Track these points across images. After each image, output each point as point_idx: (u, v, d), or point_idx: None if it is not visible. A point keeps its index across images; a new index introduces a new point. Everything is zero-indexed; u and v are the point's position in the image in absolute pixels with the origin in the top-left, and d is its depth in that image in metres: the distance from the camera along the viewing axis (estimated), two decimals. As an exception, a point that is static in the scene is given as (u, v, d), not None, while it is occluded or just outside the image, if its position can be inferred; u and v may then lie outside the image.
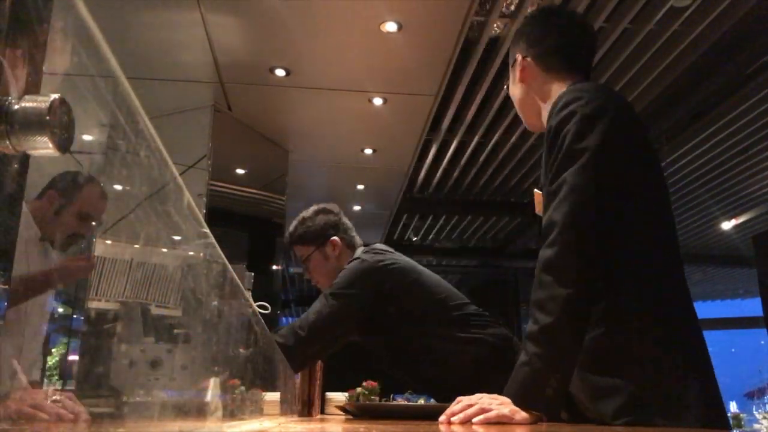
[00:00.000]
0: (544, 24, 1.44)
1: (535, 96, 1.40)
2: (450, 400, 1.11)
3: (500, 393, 1.06)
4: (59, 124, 0.36)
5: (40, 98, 0.35)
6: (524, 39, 1.43)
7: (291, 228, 2.23)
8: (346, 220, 2.29)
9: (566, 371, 1.03)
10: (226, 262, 1.06)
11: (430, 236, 9.05)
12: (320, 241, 2.14)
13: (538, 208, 1.30)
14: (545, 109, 1.36)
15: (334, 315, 1.89)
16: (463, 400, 1.06)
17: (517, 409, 1.01)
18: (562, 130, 1.15)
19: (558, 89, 1.34)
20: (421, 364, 1.99)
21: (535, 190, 1.31)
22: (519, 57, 1.41)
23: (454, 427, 0.99)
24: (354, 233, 2.26)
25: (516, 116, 1.61)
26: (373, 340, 2.07)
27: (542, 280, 1.05)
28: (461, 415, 1.03)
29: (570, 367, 1.04)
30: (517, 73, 1.41)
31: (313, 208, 2.28)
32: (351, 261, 2.08)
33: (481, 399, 1.04)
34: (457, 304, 2.03)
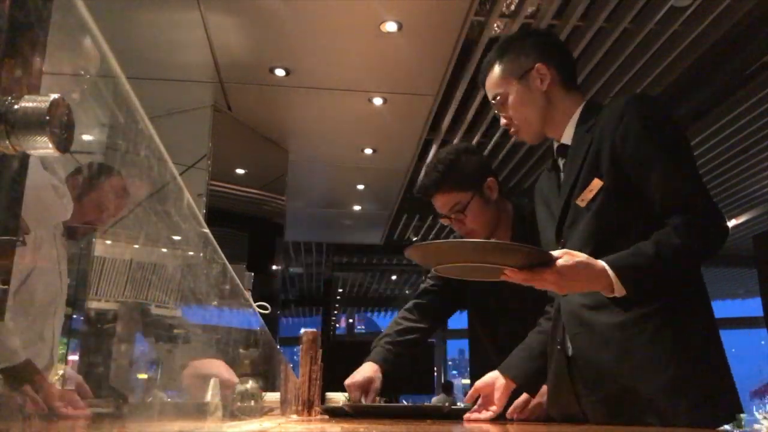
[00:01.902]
0: (545, 35, 1.50)
1: (549, 106, 1.42)
2: None
3: None
4: (59, 124, 0.36)
5: (40, 98, 0.35)
6: (536, 49, 1.43)
7: (434, 174, 1.84)
8: None
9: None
10: (226, 262, 1.06)
11: (430, 236, 9.04)
12: (479, 184, 1.86)
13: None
14: (562, 121, 1.41)
15: None
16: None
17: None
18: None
19: (577, 102, 1.41)
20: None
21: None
22: (538, 65, 1.41)
23: (472, 425, 0.99)
24: None
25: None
26: None
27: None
28: None
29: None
30: (537, 83, 1.41)
31: (453, 148, 1.94)
32: (514, 205, 1.99)
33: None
34: None
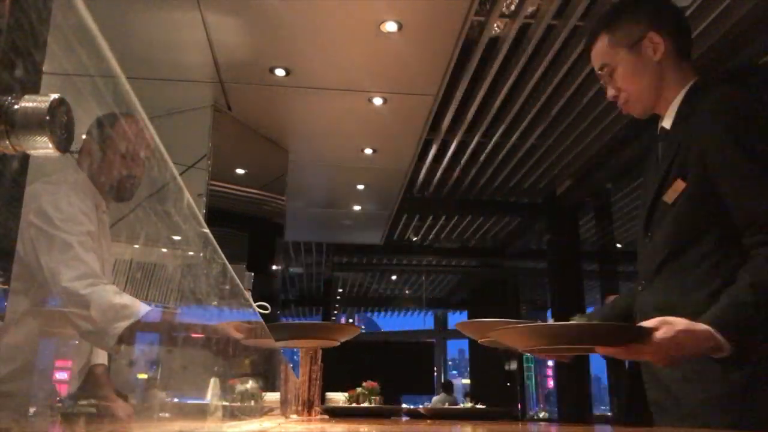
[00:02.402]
0: (661, 3, 1.39)
1: (661, 79, 1.33)
2: None
3: None
4: (59, 124, 0.36)
5: (40, 98, 0.35)
6: (649, 15, 1.35)
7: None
8: None
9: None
10: (226, 262, 1.06)
11: (430, 236, 9.05)
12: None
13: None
14: (670, 97, 1.33)
15: None
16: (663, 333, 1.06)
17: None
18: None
19: (688, 78, 1.33)
20: None
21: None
22: (651, 33, 1.32)
23: (443, 428, 0.99)
24: None
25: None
26: None
27: None
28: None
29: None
30: (649, 52, 1.33)
31: None
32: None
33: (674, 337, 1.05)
34: None
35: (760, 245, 1.12)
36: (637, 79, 1.35)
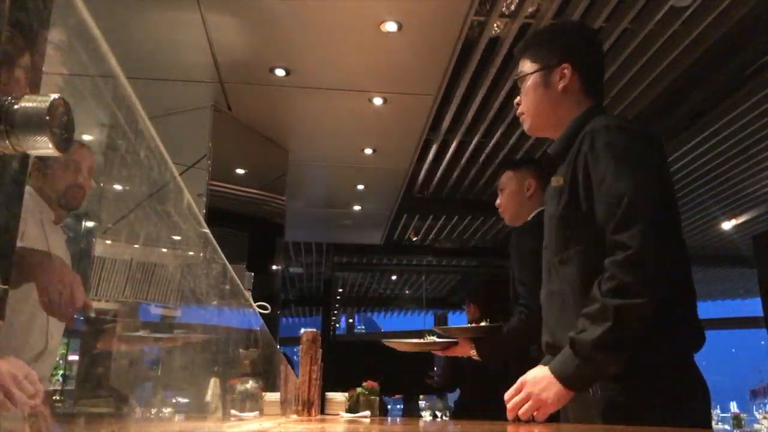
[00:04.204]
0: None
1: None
2: None
3: None
4: (59, 124, 0.36)
5: (40, 98, 0.35)
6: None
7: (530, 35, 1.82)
8: None
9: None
10: (226, 262, 1.06)
11: (430, 236, 9.04)
12: (552, 63, 1.68)
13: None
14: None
15: None
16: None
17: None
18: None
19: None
20: None
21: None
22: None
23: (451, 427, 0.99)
24: None
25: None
26: None
27: None
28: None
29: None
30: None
31: (575, 21, 1.97)
32: None
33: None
34: None
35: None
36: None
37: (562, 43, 1.44)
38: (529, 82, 1.44)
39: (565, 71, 1.40)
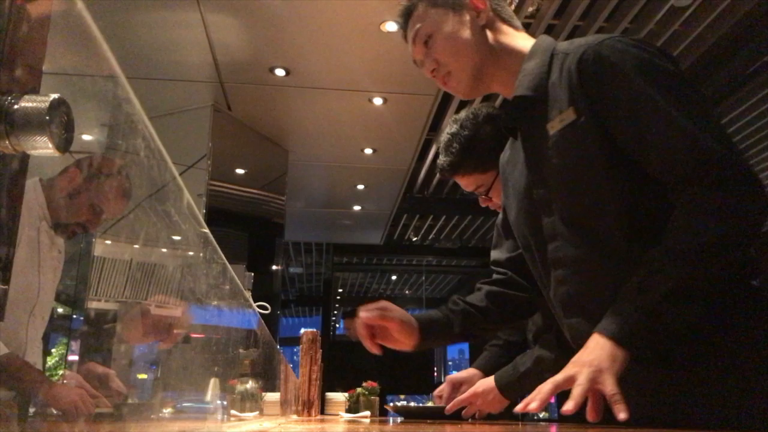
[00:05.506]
0: None
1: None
2: None
3: None
4: (59, 124, 0.36)
5: (40, 98, 0.35)
6: None
7: (449, 155, 1.66)
8: None
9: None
10: (226, 262, 1.06)
11: (430, 236, 9.05)
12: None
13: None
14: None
15: None
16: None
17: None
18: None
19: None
20: None
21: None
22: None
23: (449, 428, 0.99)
24: None
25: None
26: None
27: None
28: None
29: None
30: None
31: (471, 116, 1.73)
32: None
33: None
34: None
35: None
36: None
37: None
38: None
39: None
